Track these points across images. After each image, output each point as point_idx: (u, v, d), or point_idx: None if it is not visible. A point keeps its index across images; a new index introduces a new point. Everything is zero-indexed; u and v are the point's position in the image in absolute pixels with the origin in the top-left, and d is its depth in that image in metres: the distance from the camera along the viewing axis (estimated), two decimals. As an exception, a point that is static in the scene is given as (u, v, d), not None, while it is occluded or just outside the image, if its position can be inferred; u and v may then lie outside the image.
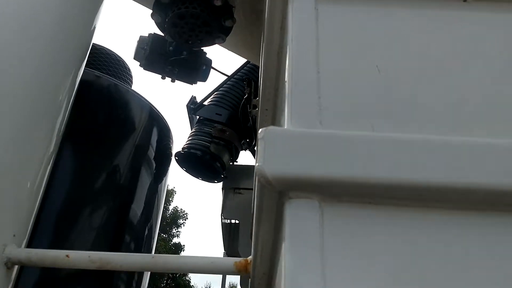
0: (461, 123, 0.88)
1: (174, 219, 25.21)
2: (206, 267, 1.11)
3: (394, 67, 0.96)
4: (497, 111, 0.89)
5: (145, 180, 2.33)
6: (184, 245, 25.27)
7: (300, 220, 0.74)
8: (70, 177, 2.11)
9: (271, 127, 0.82)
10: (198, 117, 2.94)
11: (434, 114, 0.89)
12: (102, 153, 2.22)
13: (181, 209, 28.00)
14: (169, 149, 2.59)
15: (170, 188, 24.67)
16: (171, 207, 25.27)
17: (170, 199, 25.00)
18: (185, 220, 25.54)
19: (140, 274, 2.21)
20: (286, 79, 0.96)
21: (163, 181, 2.51)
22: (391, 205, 0.76)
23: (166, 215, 24.68)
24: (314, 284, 0.67)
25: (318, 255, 0.70)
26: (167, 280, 24.32)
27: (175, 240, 25.33)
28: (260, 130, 0.81)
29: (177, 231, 25.55)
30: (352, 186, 0.76)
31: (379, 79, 0.94)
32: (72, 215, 2.04)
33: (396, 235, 0.74)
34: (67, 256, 1.09)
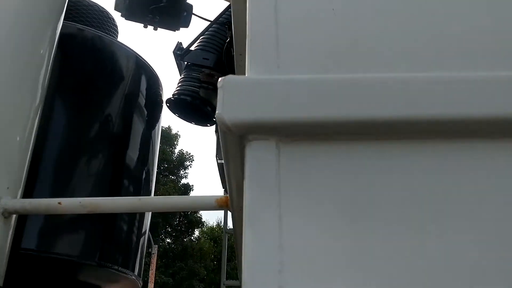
0: (428, 63, 0.93)
1: (181, 162, 25.61)
2: (191, 204, 1.21)
3: (354, 11, 0.99)
4: (467, 47, 0.93)
5: (138, 127, 2.41)
6: (192, 185, 25.86)
7: (258, 160, 0.82)
8: (64, 129, 2.19)
9: (230, 76, 0.88)
10: (186, 62, 2.96)
11: (396, 54, 0.94)
12: (93, 104, 2.29)
13: (187, 151, 28.40)
14: (159, 96, 2.64)
15: (174, 132, 24.88)
16: (176, 150, 25.60)
17: (175, 142, 25.29)
18: (191, 162, 25.97)
19: (142, 214, 2.34)
20: (247, 27, 1.00)
21: (156, 127, 2.59)
22: (345, 141, 0.84)
23: (173, 158, 25.07)
24: (271, 220, 0.76)
25: (275, 192, 0.79)
26: (179, 218, 25.12)
27: (183, 181, 25.88)
28: (220, 79, 0.87)
29: (184, 173, 26.04)
30: (306, 126, 0.83)
31: (338, 23, 0.98)
32: (70, 165, 2.14)
33: (351, 169, 0.82)
34: (59, 203, 1.19)
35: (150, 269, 14.59)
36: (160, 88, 2.68)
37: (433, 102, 0.81)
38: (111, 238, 2.12)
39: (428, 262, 0.72)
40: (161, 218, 22.29)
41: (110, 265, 2.02)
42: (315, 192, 0.79)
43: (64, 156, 2.15)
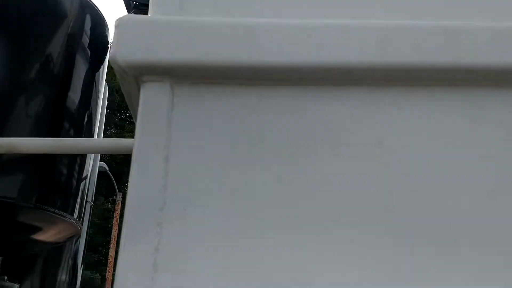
0: (335, 10, 0.93)
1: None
2: (110, 148, 1.21)
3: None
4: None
5: (80, 68, 2.35)
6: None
7: (150, 101, 0.82)
8: (2, 69, 2.11)
9: (127, 15, 0.86)
10: (134, 2, 2.84)
11: (300, 1, 0.93)
12: (33, 43, 2.21)
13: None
14: (104, 37, 2.57)
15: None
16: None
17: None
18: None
19: (83, 159, 2.33)
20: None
21: (101, 69, 2.53)
22: (239, 85, 0.84)
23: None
24: (157, 161, 0.77)
25: (165, 134, 0.79)
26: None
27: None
28: (117, 18, 0.85)
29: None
30: (201, 69, 0.83)
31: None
32: (9, 104, 2.08)
33: (241, 113, 0.83)
34: (-26, 141, 1.16)
35: (114, 216, 14.68)
36: (106, 29, 2.60)
37: (327, 50, 0.82)
38: (50, 181, 2.11)
39: (307, 191, 0.76)
40: (126, 166, 22.17)
41: (47, 207, 2.02)
42: (205, 134, 0.80)
43: (2, 96, 2.09)
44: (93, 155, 2.47)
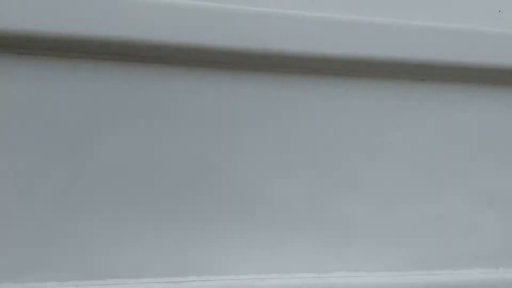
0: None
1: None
2: None
3: None
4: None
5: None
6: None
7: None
8: None
9: None
10: None
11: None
12: None
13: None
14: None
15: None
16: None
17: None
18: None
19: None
20: None
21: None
22: (52, 57, 0.81)
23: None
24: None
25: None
26: None
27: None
28: None
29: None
30: (14, 38, 0.79)
31: None
32: None
33: (57, 87, 0.81)
34: None
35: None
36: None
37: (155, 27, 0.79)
38: None
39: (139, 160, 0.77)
40: None
41: None
42: (14, 110, 0.78)
43: None
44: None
